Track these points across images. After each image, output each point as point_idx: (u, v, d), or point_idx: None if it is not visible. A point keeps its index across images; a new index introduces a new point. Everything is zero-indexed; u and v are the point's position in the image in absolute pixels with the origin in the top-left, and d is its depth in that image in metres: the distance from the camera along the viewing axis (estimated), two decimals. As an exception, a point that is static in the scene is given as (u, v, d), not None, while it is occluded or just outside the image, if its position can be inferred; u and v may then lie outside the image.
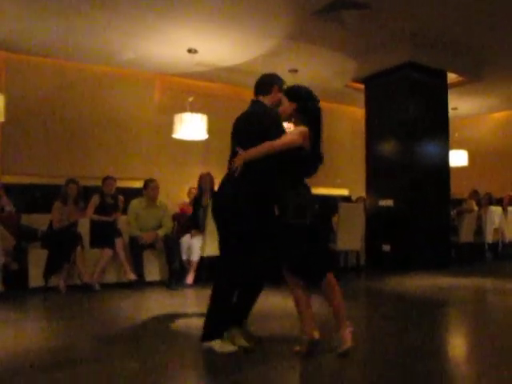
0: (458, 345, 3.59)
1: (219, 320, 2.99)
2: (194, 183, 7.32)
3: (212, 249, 5.66)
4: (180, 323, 3.94)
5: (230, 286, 3.00)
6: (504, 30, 6.47)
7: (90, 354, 3.08)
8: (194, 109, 6.99)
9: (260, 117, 3.05)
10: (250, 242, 2.97)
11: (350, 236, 6.43)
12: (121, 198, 6.03)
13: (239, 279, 3.03)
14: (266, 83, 3.20)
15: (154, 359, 2.92)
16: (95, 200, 5.77)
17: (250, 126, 3.04)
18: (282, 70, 7.72)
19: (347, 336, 2.91)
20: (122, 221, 5.84)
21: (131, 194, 6.29)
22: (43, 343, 3.30)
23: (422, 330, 3.68)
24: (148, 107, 8.26)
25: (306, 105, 3.05)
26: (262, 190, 2.95)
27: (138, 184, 6.30)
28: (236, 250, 2.99)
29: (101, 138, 7.83)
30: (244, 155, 2.92)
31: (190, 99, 7.08)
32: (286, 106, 3.08)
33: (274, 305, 4.52)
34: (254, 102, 3.17)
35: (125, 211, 5.89)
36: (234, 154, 3.00)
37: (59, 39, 6.81)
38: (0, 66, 7.31)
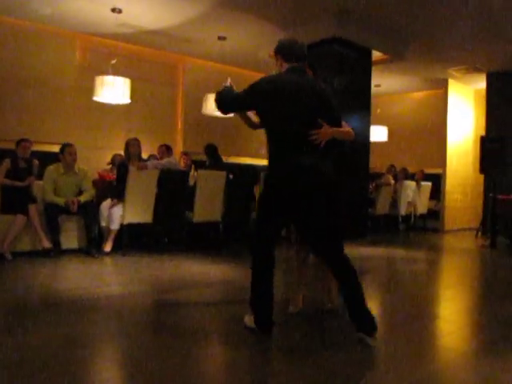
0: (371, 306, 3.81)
1: None
2: (116, 149, 7.06)
3: (133, 216, 5.56)
4: (100, 292, 3.84)
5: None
6: (426, 13, 6.70)
7: (1, 325, 2.92)
8: (116, 72, 6.67)
9: (331, 94, 2.90)
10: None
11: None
12: (35, 162, 5.70)
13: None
14: (305, 51, 2.95)
15: (71, 330, 2.83)
16: (6, 164, 5.41)
17: (326, 102, 2.83)
18: (210, 36, 7.56)
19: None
20: (36, 186, 5.53)
21: (48, 158, 5.94)
22: None
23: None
24: (68, 67, 7.77)
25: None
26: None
27: (56, 148, 5.96)
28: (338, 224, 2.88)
29: (15, 98, 7.25)
30: (331, 132, 2.78)
31: (113, 61, 6.78)
32: None
33: (193, 272, 4.54)
34: (305, 73, 2.90)
35: (40, 176, 5.58)
36: (304, 125, 2.73)
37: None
38: None
